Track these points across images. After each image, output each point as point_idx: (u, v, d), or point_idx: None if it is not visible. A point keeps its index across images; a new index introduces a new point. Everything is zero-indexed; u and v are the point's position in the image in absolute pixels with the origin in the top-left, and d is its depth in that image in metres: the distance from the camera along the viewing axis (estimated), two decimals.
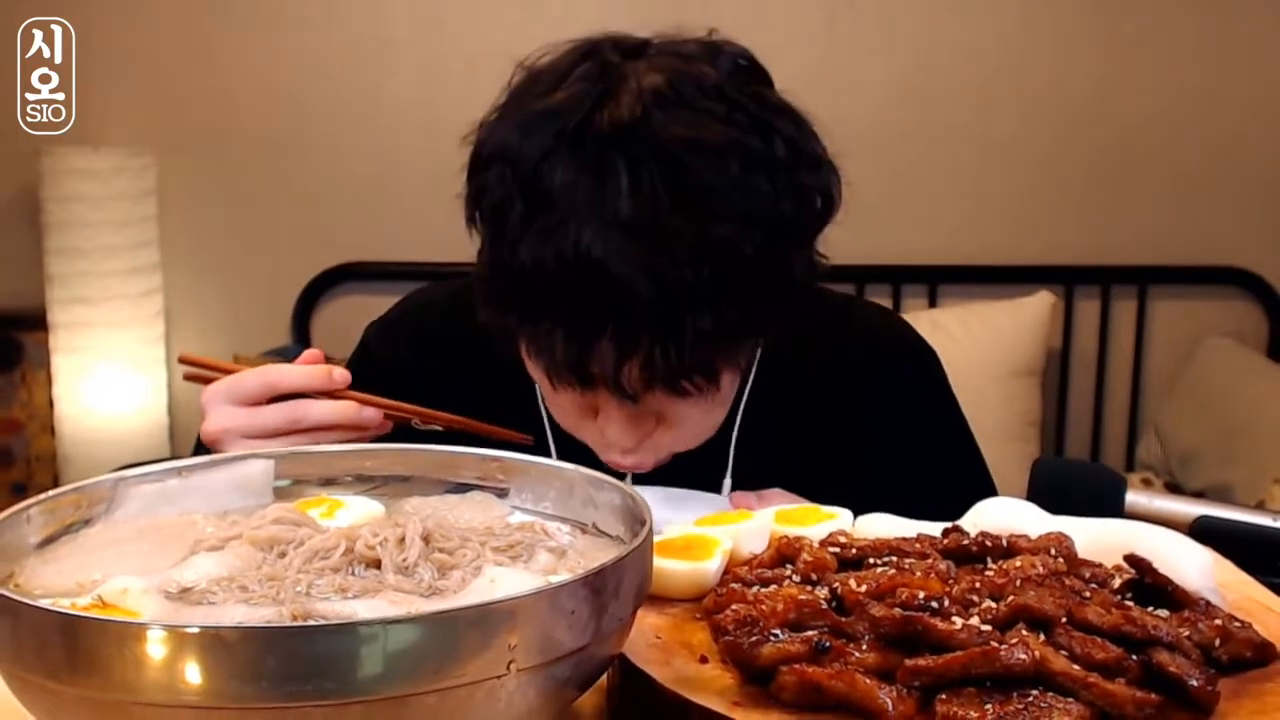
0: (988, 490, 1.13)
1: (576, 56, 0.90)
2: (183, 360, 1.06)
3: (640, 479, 1.03)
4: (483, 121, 0.93)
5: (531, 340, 0.91)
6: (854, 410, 1.14)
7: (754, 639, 0.64)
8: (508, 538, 0.69)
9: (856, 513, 0.86)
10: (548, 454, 1.10)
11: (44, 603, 0.56)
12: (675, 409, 0.96)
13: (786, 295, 0.93)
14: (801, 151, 0.91)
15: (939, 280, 2.87)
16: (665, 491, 1.02)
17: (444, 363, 1.14)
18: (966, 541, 0.76)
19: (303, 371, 0.97)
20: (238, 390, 0.96)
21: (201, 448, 0.98)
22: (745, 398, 1.12)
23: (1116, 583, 0.73)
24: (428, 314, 1.20)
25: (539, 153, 0.86)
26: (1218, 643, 0.66)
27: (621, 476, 1.06)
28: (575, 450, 1.05)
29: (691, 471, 1.05)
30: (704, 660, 0.67)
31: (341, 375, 0.98)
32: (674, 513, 0.89)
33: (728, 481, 1.11)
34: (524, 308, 0.89)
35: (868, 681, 0.61)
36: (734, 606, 0.69)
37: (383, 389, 1.08)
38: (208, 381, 0.99)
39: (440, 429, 1.02)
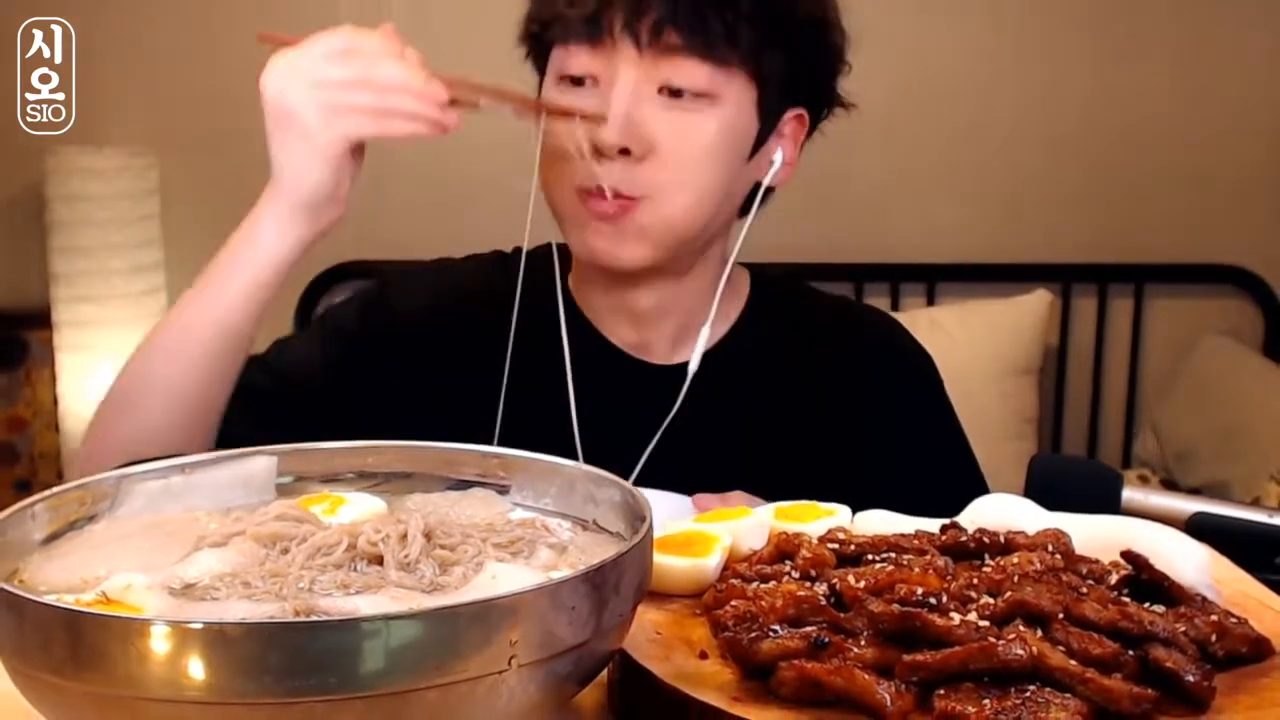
0: (978, 490, 1.14)
1: None
2: (261, 37, 1.03)
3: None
4: None
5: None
6: (847, 412, 1.14)
7: (753, 635, 0.64)
8: (509, 534, 0.69)
9: (846, 505, 0.86)
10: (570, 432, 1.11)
11: (48, 599, 0.56)
12: (661, 135, 1.00)
13: (819, 31, 1.05)
14: None
15: (937, 278, 2.87)
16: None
17: (464, 320, 1.15)
18: (964, 538, 0.76)
19: (379, 38, 0.96)
20: (312, 44, 0.95)
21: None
22: (725, 375, 1.12)
23: (1113, 579, 0.73)
24: (447, 275, 1.21)
25: None
26: (1214, 638, 0.67)
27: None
28: (597, 426, 1.06)
29: (684, 466, 1.06)
30: (704, 656, 0.67)
31: (415, 52, 0.97)
32: None
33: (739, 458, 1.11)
34: None
35: (866, 677, 0.61)
36: (733, 602, 0.69)
37: (396, 332, 1.08)
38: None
39: (512, 111, 1.01)
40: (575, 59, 1.01)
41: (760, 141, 1.06)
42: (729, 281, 1.13)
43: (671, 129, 1.00)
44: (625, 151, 1.00)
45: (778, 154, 1.08)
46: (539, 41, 1.07)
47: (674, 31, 0.97)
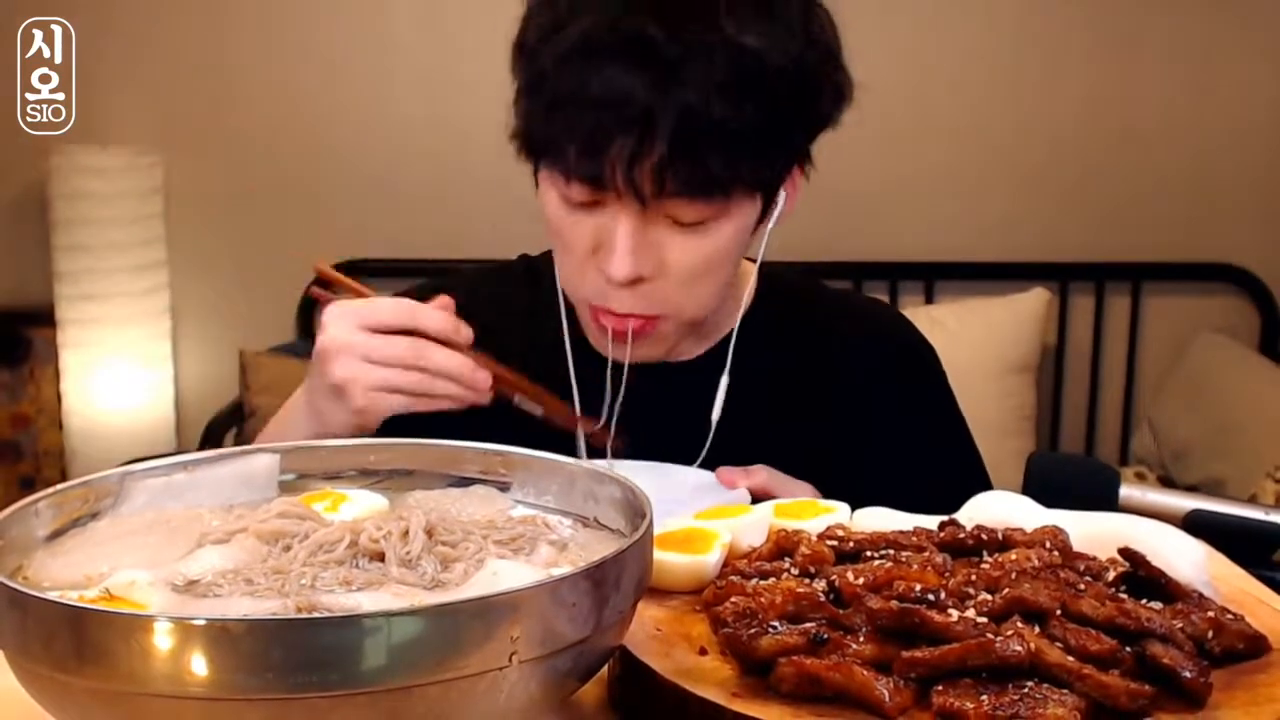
0: (982, 483, 1.14)
1: None
2: (319, 271, 1.04)
3: (625, 453, 1.03)
4: None
5: (558, 138, 0.95)
6: (851, 404, 1.14)
7: (753, 631, 0.65)
8: (510, 531, 0.69)
9: (850, 503, 0.87)
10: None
11: (52, 595, 0.56)
12: (673, 250, 0.99)
13: (797, 126, 1.00)
14: (826, 23, 1.01)
15: (936, 277, 2.88)
16: (647, 465, 1.03)
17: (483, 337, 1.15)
18: (963, 535, 0.77)
19: (438, 317, 0.98)
20: (372, 314, 0.96)
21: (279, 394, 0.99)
22: (727, 369, 1.12)
23: (1111, 575, 0.73)
24: (454, 290, 1.21)
25: None
26: (1210, 635, 0.67)
27: (608, 395, 1.07)
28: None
29: (671, 448, 1.06)
30: (703, 652, 0.68)
31: (468, 331, 0.99)
32: (657, 483, 0.90)
33: (708, 441, 1.11)
34: (550, 108, 0.95)
35: (865, 673, 0.61)
36: (733, 599, 0.70)
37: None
38: (327, 301, 0.99)
39: (539, 414, 1.03)
40: (576, 190, 0.98)
41: (765, 214, 1.06)
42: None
43: (681, 251, 0.99)
44: (637, 279, 0.99)
45: (781, 197, 1.06)
46: (529, 151, 1.04)
47: (673, 180, 0.94)
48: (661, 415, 1.10)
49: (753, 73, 0.93)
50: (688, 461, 1.09)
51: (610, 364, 1.09)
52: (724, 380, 1.11)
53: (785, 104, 0.96)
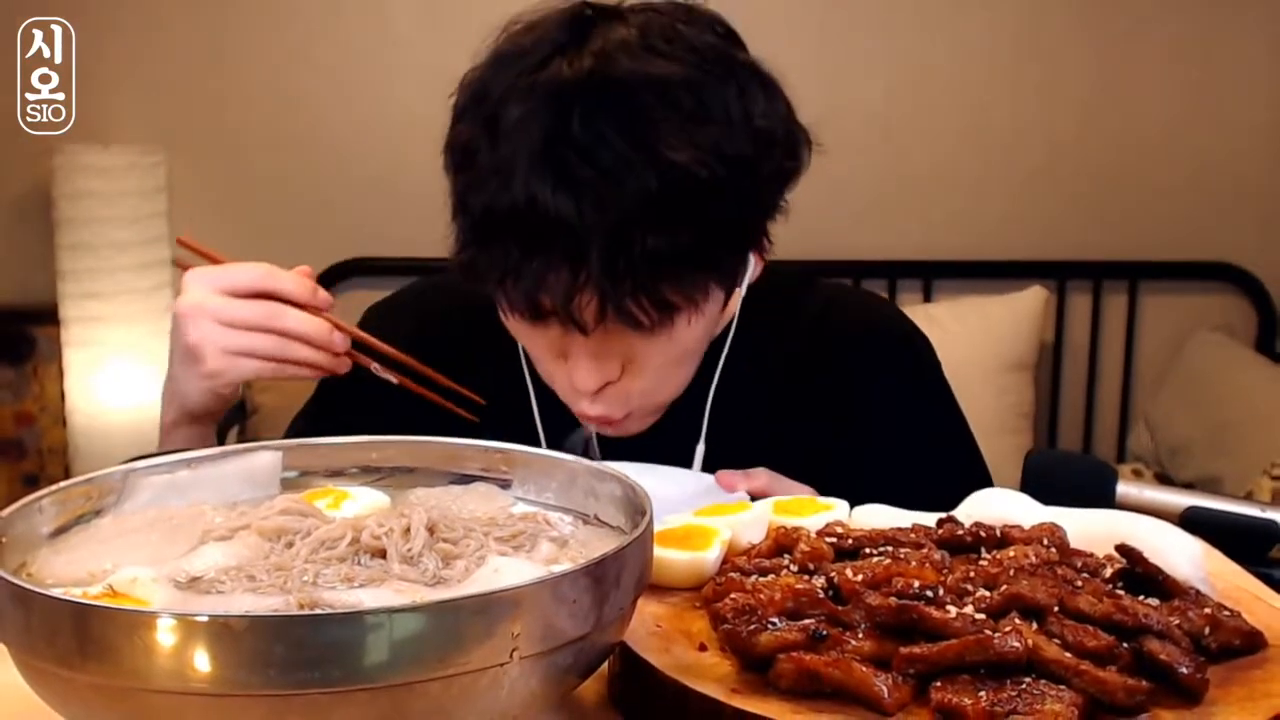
0: (979, 475, 1.14)
1: (557, 14, 0.93)
2: (180, 242, 1.05)
3: (614, 452, 1.03)
4: (466, 74, 0.95)
5: (489, 272, 0.91)
6: (847, 399, 1.14)
7: (752, 627, 0.65)
8: (511, 528, 0.69)
9: (848, 498, 0.87)
10: (536, 436, 1.11)
11: (56, 592, 0.56)
12: (637, 351, 0.95)
13: (741, 231, 0.94)
14: (767, 101, 0.92)
15: (934, 275, 2.88)
16: (648, 467, 1.02)
17: (441, 347, 1.15)
18: (961, 532, 0.77)
19: (294, 279, 0.98)
20: (228, 277, 0.96)
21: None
22: (720, 368, 1.12)
23: (1108, 572, 0.73)
24: (428, 299, 1.21)
25: (500, 91, 0.89)
26: (1207, 631, 0.67)
27: (598, 449, 1.06)
28: (564, 430, 1.06)
29: (663, 447, 1.06)
30: (703, 648, 0.68)
31: (325, 296, 0.99)
32: (657, 486, 0.89)
33: (699, 451, 1.11)
34: (480, 241, 0.90)
35: (864, 669, 0.62)
36: (732, 595, 0.70)
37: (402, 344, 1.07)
38: (187, 268, 0.99)
39: (394, 382, 1.02)
40: (534, 334, 0.95)
41: (731, 292, 1.03)
42: None
43: (646, 352, 0.95)
44: (604, 384, 0.96)
45: (747, 268, 1.03)
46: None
47: (613, 312, 0.88)
48: (649, 439, 1.10)
49: (681, 189, 0.86)
50: (682, 466, 1.09)
51: None
52: (700, 448, 1.10)
53: (722, 214, 0.89)
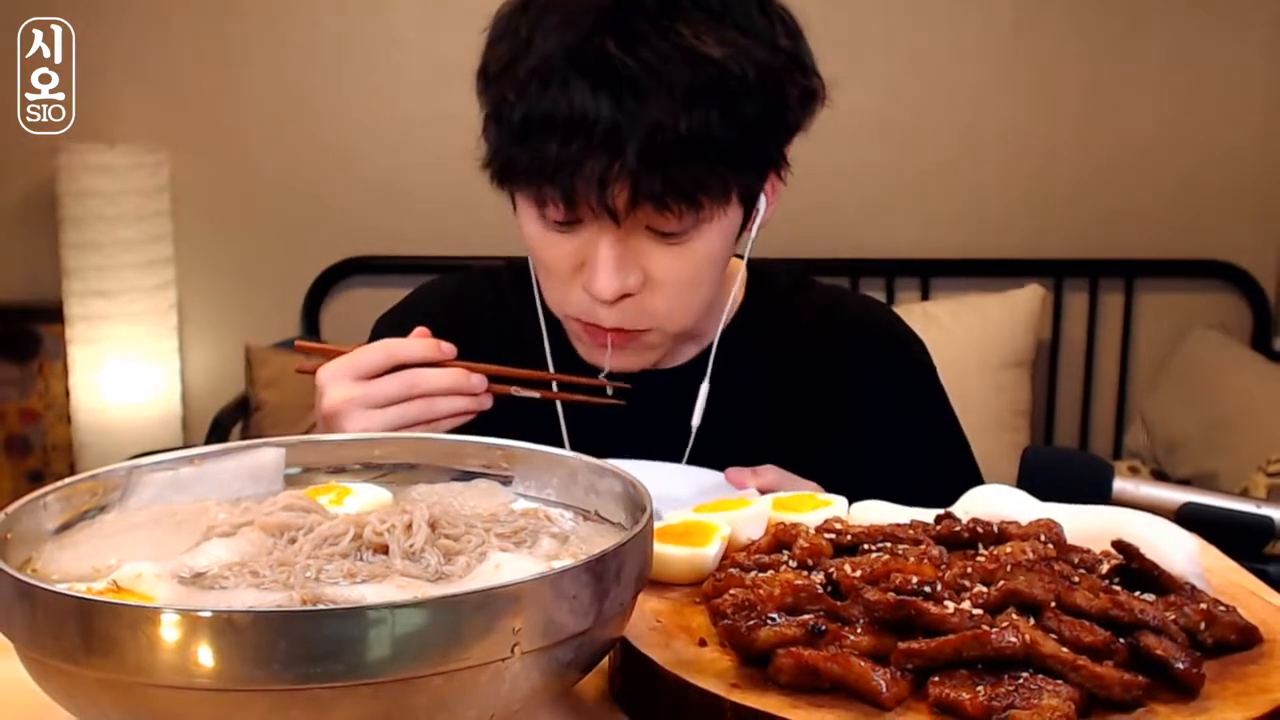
0: (972, 476, 1.14)
1: None
2: (299, 348, 1.08)
3: (620, 446, 1.04)
4: (499, 8, 1.00)
5: (529, 168, 0.95)
6: (842, 401, 1.15)
7: (751, 623, 0.65)
8: (512, 524, 0.69)
9: (847, 497, 0.87)
10: (559, 436, 1.12)
11: (60, 587, 0.56)
12: (655, 264, 0.99)
13: (766, 135, 0.99)
14: (787, 27, 1.00)
15: (932, 274, 2.89)
16: (655, 465, 1.03)
17: (474, 341, 1.15)
18: (958, 528, 0.77)
19: (417, 344, 1.01)
20: (358, 364, 0.99)
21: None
22: (713, 357, 1.13)
23: (1104, 568, 0.74)
24: (434, 303, 1.22)
25: (536, 8, 0.95)
26: (1203, 626, 0.67)
27: (608, 403, 1.09)
28: (586, 431, 1.07)
29: (655, 438, 1.07)
30: (703, 643, 0.68)
31: (449, 347, 1.01)
32: (665, 483, 0.90)
33: (688, 448, 1.12)
34: (519, 140, 0.94)
35: (862, 664, 0.62)
36: (732, 591, 0.70)
37: None
38: (314, 369, 1.01)
39: (538, 398, 1.05)
40: (552, 212, 0.99)
41: (747, 221, 1.06)
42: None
43: (664, 264, 1.00)
44: (623, 295, 1.00)
45: (761, 203, 1.06)
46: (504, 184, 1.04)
47: (646, 197, 0.94)
48: (651, 421, 1.10)
49: (716, 83, 0.92)
50: (675, 456, 1.10)
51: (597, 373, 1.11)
52: (704, 387, 1.11)
53: (751, 112, 0.95)
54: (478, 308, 1.19)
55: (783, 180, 1.07)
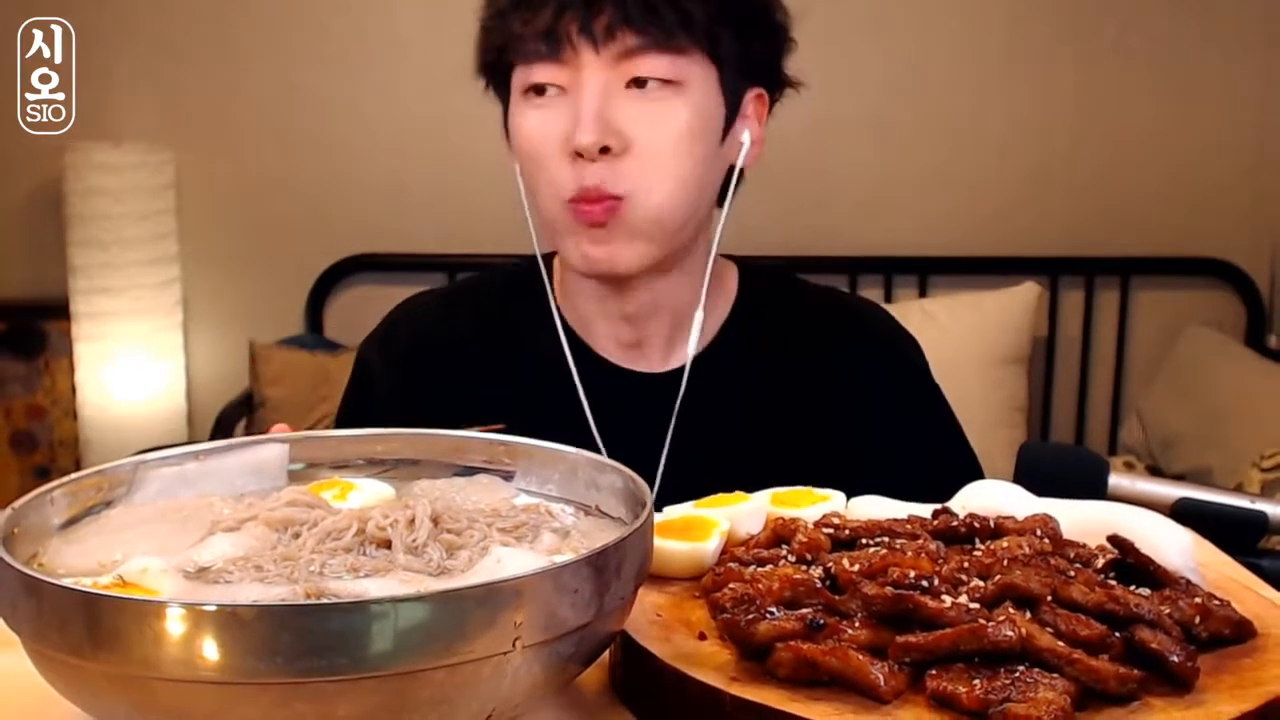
0: (975, 473, 1.15)
1: None
2: None
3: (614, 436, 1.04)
4: None
5: (511, 29, 1.02)
6: (838, 402, 1.15)
7: (751, 617, 0.65)
8: (513, 519, 0.70)
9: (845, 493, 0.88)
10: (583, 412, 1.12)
11: (67, 582, 0.57)
12: (634, 127, 1.02)
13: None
14: None
15: (929, 271, 2.89)
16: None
17: (438, 366, 1.16)
18: (955, 523, 0.78)
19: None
20: None
21: None
22: (708, 346, 1.13)
23: (1100, 562, 0.74)
24: (417, 320, 1.21)
25: None
26: (1198, 620, 0.68)
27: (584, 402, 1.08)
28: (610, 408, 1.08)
29: (638, 433, 1.08)
30: (702, 637, 0.69)
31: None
32: None
33: (666, 440, 1.12)
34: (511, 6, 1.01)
35: (860, 658, 0.62)
36: (731, 585, 0.71)
37: (383, 405, 1.08)
38: None
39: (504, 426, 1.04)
40: (538, 71, 1.03)
41: (728, 124, 1.08)
42: (716, 277, 1.14)
43: (644, 121, 1.02)
44: (604, 150, 1.02)
45: (745, 135, 1.10)
46: (498, 66, 1.09)
47: (629, 30, 1.00)
48: (648, 421, 1.11)
49: None
50: (674, 465, 1.10)
51: (602, 374, 1.12)
52: (698, 315, 1.13)
53: None
54: (470, 321, 1.18)
55: (769, 110, 1.11)
